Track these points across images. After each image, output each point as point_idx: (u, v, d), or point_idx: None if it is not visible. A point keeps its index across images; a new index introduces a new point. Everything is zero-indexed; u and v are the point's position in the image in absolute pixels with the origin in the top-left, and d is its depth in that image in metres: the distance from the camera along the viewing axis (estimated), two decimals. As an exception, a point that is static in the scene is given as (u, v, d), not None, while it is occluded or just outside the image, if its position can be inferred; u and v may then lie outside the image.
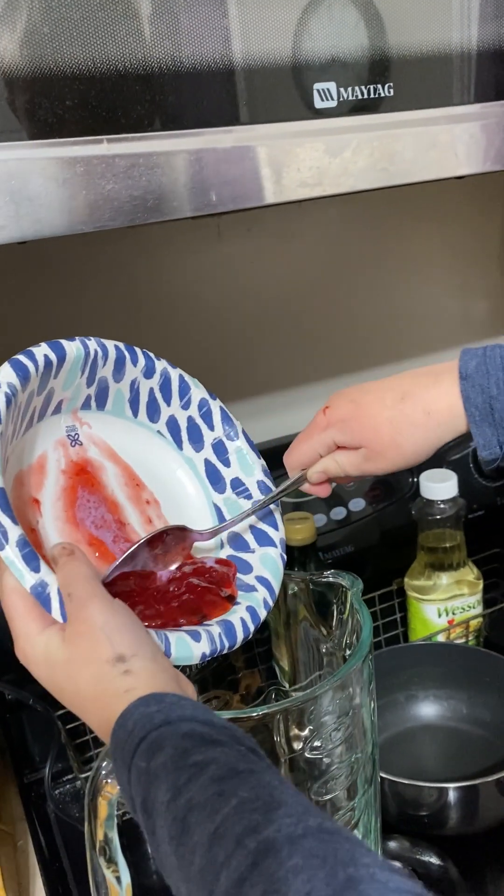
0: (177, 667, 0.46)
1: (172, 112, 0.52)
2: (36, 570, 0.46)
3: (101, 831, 0.42)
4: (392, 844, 0.67)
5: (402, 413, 0.56)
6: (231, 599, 0.56)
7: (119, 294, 0.90)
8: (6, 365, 0.50)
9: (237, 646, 0.53)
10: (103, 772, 0.44)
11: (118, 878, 0.43)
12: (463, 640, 0.88)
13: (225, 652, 0.52)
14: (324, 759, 0.48)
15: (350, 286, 1.04)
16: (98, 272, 0.88)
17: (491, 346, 0.56)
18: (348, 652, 0.51)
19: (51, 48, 0.48)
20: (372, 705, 0.51)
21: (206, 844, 0.34)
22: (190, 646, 0.49)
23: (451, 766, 0.78)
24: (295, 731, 0.47)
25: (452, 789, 0.67)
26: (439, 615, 0.87)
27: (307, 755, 0.48)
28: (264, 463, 0.62)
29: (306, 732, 0.47)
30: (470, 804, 0.68)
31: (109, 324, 0.89)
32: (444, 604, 0.87)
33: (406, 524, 0.90)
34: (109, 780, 0.43)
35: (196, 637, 0.50)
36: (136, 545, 0.54)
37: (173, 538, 0.57)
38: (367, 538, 0.95)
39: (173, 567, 0.57)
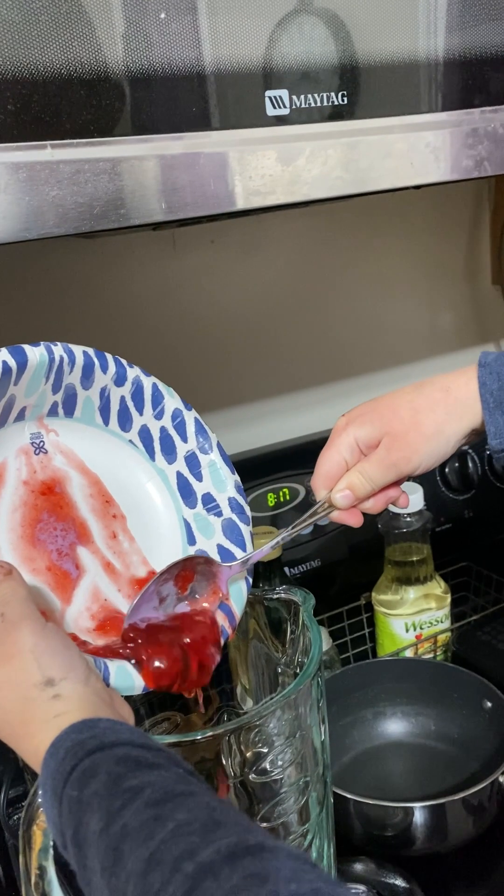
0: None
1: (119, 118, 0.51)
2: None
3: (36, 863, 0.40)
4: (357, 866, 0.66)
5: (420, 394, 0.57)
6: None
7: (80, 305, 0.89)
8: None
9: None
10: (39, 800, 0.42)
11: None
12: (431, 655, 0.87)
13: None
14: (274, 782, 0.47)
15: (315, 299, 1.04)
16: (58, 283, 0.87)
17: None
18: (300, 671, 0.49)
19: (-9, 52, 0.47)
20: (322, 725, 0.50)
21: (140, 872, 0.32)
22: (131, 675, 0.47)
23: (419, 783, 0.76)
24: (243, 753, 0.46)
25: (419, 809, 0.66)
26: (407, 630, 0.86)
27: (255, 778, 0.46)
28: (238, 479, 0.60)
29: (252, 755, 0.45)
30: (437, 823, 0.66)
31: (71, 335, 0.88)
32: (412, 618, 0.86)
33: (374, 538, 0.89)
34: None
35: (139, 666, 0.48)
36: (150, 584, 0.52)
37: (203, 575, 0.54)
38: (335, 552, 0.94)
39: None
